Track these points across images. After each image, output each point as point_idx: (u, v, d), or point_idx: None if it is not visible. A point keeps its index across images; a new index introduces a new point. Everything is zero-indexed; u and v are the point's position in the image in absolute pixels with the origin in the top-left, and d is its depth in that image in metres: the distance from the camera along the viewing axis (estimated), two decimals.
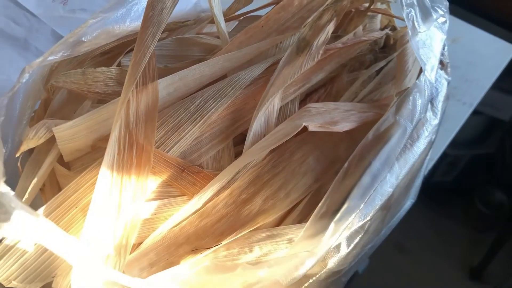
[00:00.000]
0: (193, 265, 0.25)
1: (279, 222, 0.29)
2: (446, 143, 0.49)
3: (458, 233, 1.39)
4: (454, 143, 1.37)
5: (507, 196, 1.37)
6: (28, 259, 0.24)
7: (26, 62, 0.48)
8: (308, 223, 0.26)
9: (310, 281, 0.27)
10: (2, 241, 0.22)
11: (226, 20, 0.36)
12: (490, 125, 1.33)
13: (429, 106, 0.32)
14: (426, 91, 0.29)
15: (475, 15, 1.10)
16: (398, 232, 1.37)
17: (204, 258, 0.26)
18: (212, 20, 0.36)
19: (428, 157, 0.35)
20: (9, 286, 0.24)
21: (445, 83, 0.33)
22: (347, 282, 0.42)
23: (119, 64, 0.31)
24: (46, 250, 0.24)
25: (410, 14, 0.29)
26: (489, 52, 0.58)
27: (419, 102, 0.28)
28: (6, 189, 0.19)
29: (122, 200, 0.26)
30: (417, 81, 0.28)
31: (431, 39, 0.31)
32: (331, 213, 0.26)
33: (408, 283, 1.31)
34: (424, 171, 0.35)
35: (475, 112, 1.33)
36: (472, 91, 0.52)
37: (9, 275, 0.24)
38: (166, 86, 0.29)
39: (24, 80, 0.25)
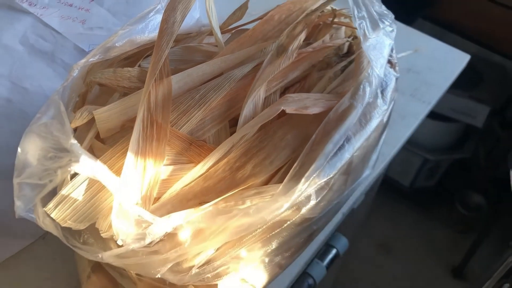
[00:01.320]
0: (199, 210, 0.34)
1: (265, 183, 0.37)
2: (408, 133, 0.58)
3: (441, 234, 1.48)
4: (434, 149, 1.47)
5: (485, 198, 1.46)
6: (78, 205, 0.33)
7: (53, 72, 0.57)
8: (285, 179, 0.35)
9: (288, 223, 0.36)
10: (75, 177, 0.30)
11: (222, 33, 0.45)
12: (466, 131, 1.43)
13: (380, 95, 0.41)
14: (374, 82, 0.38)
15: (438, 28, 1.20)
16: (383, 234, 1.49)
17: (207, 208, 0.35)
18: (211, 33, 0.46)
19: (383, 136, 0.44)
20: (64, 225, 0.33)
21: (394, 78, 0.43)
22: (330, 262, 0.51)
23: (139, 66, 0.40)
24: (92, 198, 0.33)
25: (361, 25, 0.39)
26: (446, 59, 0.68)
27: (368, 89, 0.37)
28: (74, 141, 0.27)
29: (146, 164, 0.35)
30: (367, 74, 0.38)
31: (380, 43, 0.41)
32: (303, 173, 0.35)
33: (394, 281, 1.39)
34: (380, 147, 0.44)
35: (453, 120, 1.42)
36: (431, 92, 0.62)
37: (64, 217, 0.33)
38: (177, 81, 0.38)
39: (74, 74, 0.34)
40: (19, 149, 0.30)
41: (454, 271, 1.39)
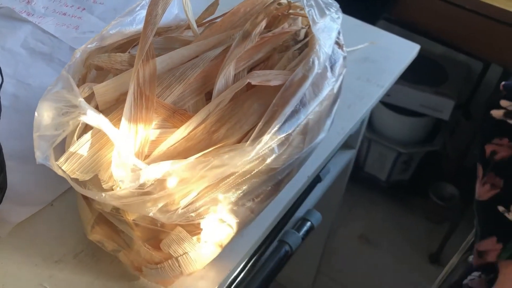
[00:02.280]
0: (183, 161, 0.42)
1: (237, 143, 0.45)
2: (365, 110, 0.66)
3: (417, 225, 1.57)
4: (407, 143, 1.55)
5: (457, 188, 1.55)
6: (83, 160, 0.41)
7: (52, 70, 0.65)
8: (252, 135, 0.43)
9: (256, 170, 0.44)
10: (80, 137, 0.38)
11: (197, 26, 0.54)
12: (435, 125, 1.52)
13: (329, 69, 0.50)
14: (322, 57, 0.47)
15: (407, 32, 1.30)
16: (363, 226, 1.59)
17: (190, 159, 0.43)
18: (188, 26, 0.54)
19: (336, 105, 0.52)
20: (73, 176, 0.40)
21: (341, 57, 0.51)
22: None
23: (129, 53, 0.48)
24: (94, 154, 0.41)
25: (310, 12, 0.48)
26: (398, 50, 0.77)
27: (316, 62, 0.46)
28: (82, 99, 0.35)
29: (138, 128, 0.42)
30: (315, 50, 0.46)
31: (328, 27, 0.50)
32: (266, 129, 0.43)
33: (375, 270, 1.46)
34: (333, 115, 0.52)
35: (422, 115, 1.52)
36: (384, 78, 0.71)
37: (73, 169, 0.40)
38: (160, 62, 0.46)
39: (77, 56, 0.42)
40: (36, 113, 0.38)
41: (431, 258, 1.48)
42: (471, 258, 0.96)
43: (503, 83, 0.67)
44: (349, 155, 0.91)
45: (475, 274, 0.67)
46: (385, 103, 1.47)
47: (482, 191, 0.66)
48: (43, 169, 0.53)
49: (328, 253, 1.46)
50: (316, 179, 0.69)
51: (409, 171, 1.57)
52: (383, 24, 1.32)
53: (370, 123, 1.54)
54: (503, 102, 0.64)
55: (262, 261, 0.68)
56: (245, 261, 0.58)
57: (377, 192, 1.63)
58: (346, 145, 0.91)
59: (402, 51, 0.77)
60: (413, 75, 1.46)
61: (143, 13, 0.49)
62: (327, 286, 1.40)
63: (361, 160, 1.61)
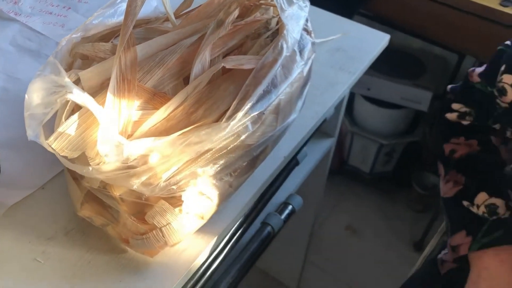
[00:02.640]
0: (164, 138, 0.45)
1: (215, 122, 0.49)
2: (337, 96, 0.70)
3: (401, 214, 1.61)
4: (388, 135, 1.60)
5: (438, 177, 1.60)
6: (71, 139, 0.44)
7: (40, 64, 0.69)
8: (227, 113, 0.47)
9: (232, 146, 0.47)
10: (68, 119, 0.42)
11: (175, 18, 0.58)
12: (415, 116, 1.57)
13: (298, 53, 0.54)
14: (290, 41, 0.51)
15: (386, 28, 1.35)
16: (350, 217, 1.65)
17: (171, 136, 0.46)
18: (166, 19, 0.58)
19: (307, 88, 0.56)
20: (62, 154, 0.44)
21: (310, 42, 0.55)
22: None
23: (111, 42, 0.52)
24: (81, 133, 0.44)
25: (278, 1, 0.52)
26: (369, 40, 0.81)
27: (285, 46, 0.50)
28: (68, 79, 0.39)
29: (121, 109, 0.46)
30: (283, 35, 0.50)
31: (296, 15, 0.54)
32: (239, 108, 0.47)
33: (361, 259, 1.50)
34: (304, 97, 0.56)
35: (402, 107, 1.56)
36: (356, 65, 0.75)
37: (62, 148, 0.44)
38: (141, 50, 0.50)
39: (63, 44, 0.46)
40: (26, 96, 0.42)
41: (415, 246, 1.52)
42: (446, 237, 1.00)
43: (449, 86, 0.70)
44: (328, 143, 0.95)
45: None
46: (366, 97, 1.51)
47: (446, 188, 0.69)
48: (33, 156, 0.57)
49: (316, 244, 1.50)
50: (294, 162, 0.72)
51: (391, 163, 1.61)
52: (364, 20, 1.37)
53: (352, 117, 1.59)
54: (455, 105, 0.68)
55: (246, 242, 0.72)
56: (227, 238, 0.61)
57: (362, 184, 1.67)
58: (325, 134, 0.95)
59: (373, 41, 0.81)
60: (392, 69, 1.51)
61: (123, 5, 0.52)
62: (315, 275, 1.44)
63: (345, 153, 1.65)
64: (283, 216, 0.78)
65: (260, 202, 0.66)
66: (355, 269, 1.46)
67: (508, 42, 0.62)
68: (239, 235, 0.63)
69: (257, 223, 0.75)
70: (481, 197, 0.63)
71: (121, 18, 0.53)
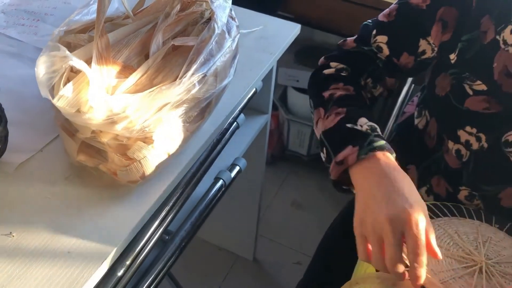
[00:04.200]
0: (139, 94, 0.63)
1: None
2: (261, 71, 0.91)
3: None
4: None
5: None
6: (69, 98, 0.62)
7: (23, 64, 0.85)
8: (179, 75, 0.66)
9: (185, 98, 0.66)
10: (66, 85, 0.59)
11: (133, 14, 0.76)
12: None
13: (227, 33, 0.74)
14: (219, 23, 0.70)
15: (308, 28, 1.57)
16: (294, 195, 1.91)
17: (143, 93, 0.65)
18: (126, 16, 0.77)
19: (236, 59, 0.76)
20: (65, 110, 0.61)
21: (234, 25, 0.76)
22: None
23: (88, 34, 0.70)
24: (76, 95, 0.62)
25: None
26: (284, 29, 1.03)
27: (216, 26, 0.70)
28: (68, 52, 0.57)
29: (103, 76, 0.64)
30: (214, 18, 0.70)
31: (222, 5, 0.74)
32: (187, 70, 0.66)
33: (306, 229, 1.71)
34: (235, 65, 0.76)
35: None
36: (274, 48, 0.96)
37: (64, 105, 0.61)
38: (111, 37, 0.68)
39: (56, 33, 0.63)
40: (36, 69, 0.59)
41: None
42: None
43: (325, 56, 0.85)
44: (263, 119, 1.15)
45: None
46: (296, 87, 1.74)
47: (327, 122, 0.73)
48: (31, 128, 0.73)
49: (266, 220, 1.70)
50: (235, 126, 0.92)
51: None
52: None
53: (287, 107, 1.81)
54: (332, 64, 0.81)
55: (203, 193, 0.91)
56: (185, 182, 0.79)
57: (302, 165, 1.89)
58: (260, 111, 1.15)
59: (287, 30, 1.03)
60: (315, 62, 1.75)
61: (95, 6, 0.70)
62: (268, 246, 1.64)
63: (284, 140, 1.87)
64: (232, 173, 0.98)
65: (211, 154, 0.85)
66: (303, 236, 1.67)
67: (369, 20, 0.83)
68: (197, 178, 0.81)
69: (211, 179, 0.94)
70: (363, 120, 0.70)
71: (93, 16, 0.71)
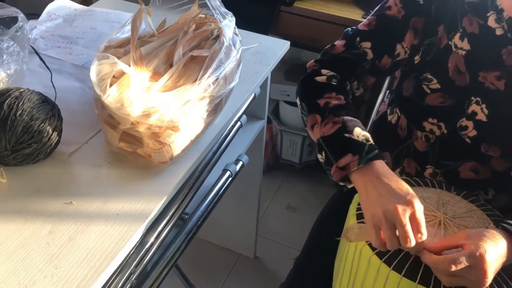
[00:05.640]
0: (167, 93, 0.81)
1: None
2: (259, 78, 1.10)
3: (328, 193, 2.01)
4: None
5: None
6: (115, 97, 0.80)
7: (64, 78, 1.03)
8: (198, 78, 0.84)
9: (202, 95, 0.84)
10: (111, 87, 0.77)
11: (158, 33, 0.95)
12: None
13: (233, 45, 0.93)
14: (227, 38, 0.89)
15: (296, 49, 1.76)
16: (288, 198, 2.13)
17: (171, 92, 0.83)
18: (152, 35, 0.95)
19: (240, 67, 0.95)
20: (112, 105, 0.79)
21: (238, 40, 0.95)
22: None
23: (124, 48, 0.89)
24: (119, 94, 0.80)
25: (217, 17, 0.91)
26: (277, 46, 1.23)
27: (224, 40, 0.89)
28: (116, 58, 0.75)
29: (140, 79, 0.82)
30: (223, 34, 0.89)
31: (228, 24, 0.93)
32: (204, 74, 0.84)
33: (302, 228, 1.87)
34: (239, 72, 0.94)
35: None
36: (269, 60, 1.16)
37: (111, 101, 0.79)
38: (142, 50, 0.87)
39: (103, 47, 0.82)
40: (90, 74, 0.77)
41: None
42: None
43: (314, 60, 0.97)
44: (260, 124, 1.34)
45: None
46: (287, 101, 1.93)
47: (325, 129, 0.84)
48: (77, 125, 0.91)
49: (264, 222, 1.86)
50: (239, 125, 1.10)
51: (314, 152, 2.03)
52: None
53: (280, 119, 2.00)
54: (323, 71, 0.92)
55: (213, 182, 1.08)
56: (201, 167, 0.96)
57: (295, 173, 2.07)
58: (257, 117, 1.34)
59: (278, 46, 1.22)
60: None
61: (128, 27, 0.89)
62: (267, 244, 1.80)
63: (278, 151, 2.05)
64: (237, 166, 1.15)
65: (221, 146, 1.03)
66: (297, 235, 1.83)
67: (349, 28, 1.02)
68: (211, 165, 0.99)
69: (219, 171, 1.11)
70: (358, 131, 0.82)
71: (127, 35, 0.90)
